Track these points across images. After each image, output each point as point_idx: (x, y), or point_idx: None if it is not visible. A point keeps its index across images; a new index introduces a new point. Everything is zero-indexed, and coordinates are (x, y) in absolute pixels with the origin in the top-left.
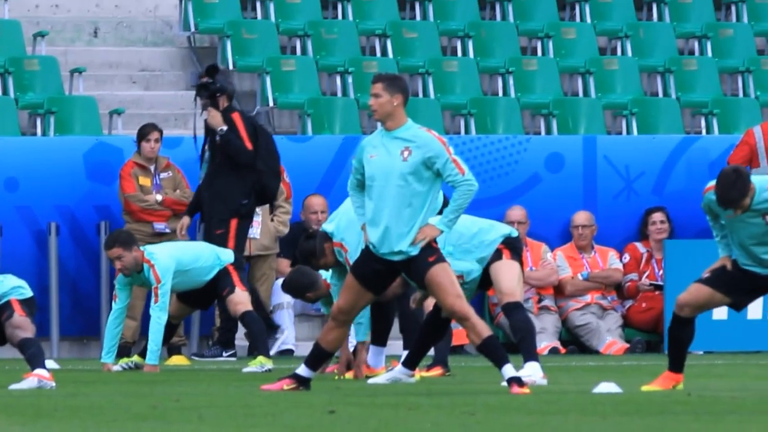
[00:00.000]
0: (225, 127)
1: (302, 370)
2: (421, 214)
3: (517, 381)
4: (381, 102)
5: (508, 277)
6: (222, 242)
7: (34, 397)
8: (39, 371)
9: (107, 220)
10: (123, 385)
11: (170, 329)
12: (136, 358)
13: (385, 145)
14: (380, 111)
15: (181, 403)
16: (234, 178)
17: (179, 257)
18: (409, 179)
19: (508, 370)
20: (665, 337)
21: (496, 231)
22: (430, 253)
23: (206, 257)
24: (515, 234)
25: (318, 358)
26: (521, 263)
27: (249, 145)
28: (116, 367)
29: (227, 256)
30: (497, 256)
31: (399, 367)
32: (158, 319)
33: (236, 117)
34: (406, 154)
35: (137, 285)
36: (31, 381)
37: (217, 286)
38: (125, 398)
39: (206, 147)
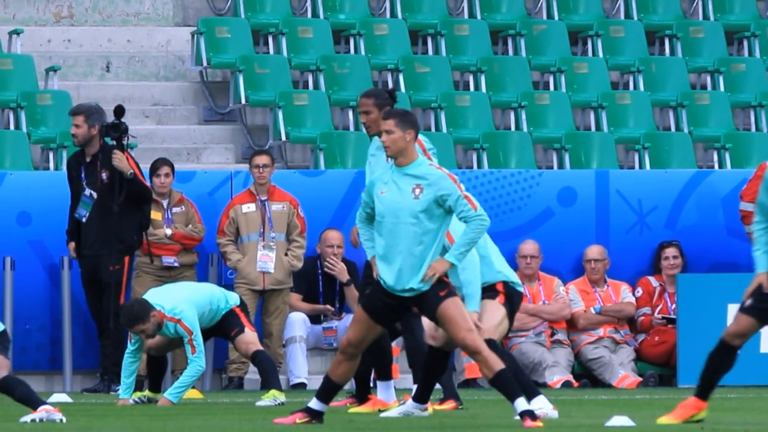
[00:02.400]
0: (133, 170)
1: (314, 403)
2: (431, 251)
3: (530, 414)
4: (394, 138)
5: (491, 316)
6: (117, 277)
7: None
8: (43, 407)
9: None
10: (136, 419)
11: (158, 364)
12: (148, 393)
13: (396, 182)
14: (393, 147)
15: None
16: (125, 215)
17: (196, 302)
18: (420, 217)
19: (521, 404)
20: (678, 370)
21: (506, 271)
22: (441, 287)
23: (217, 299)
24: (520, 289)
25: (329, 391)
26: (511, 315)
27: (147, 183)
28: (129, 401)
29: (234, 299)
30: (493, 294)
31: (410, 401)
32: (197, 366)
33: (127, 155)
34: (417, 192)
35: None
36: (40, 415)
37: (225, 327)
38: None
39: (84, 184)
